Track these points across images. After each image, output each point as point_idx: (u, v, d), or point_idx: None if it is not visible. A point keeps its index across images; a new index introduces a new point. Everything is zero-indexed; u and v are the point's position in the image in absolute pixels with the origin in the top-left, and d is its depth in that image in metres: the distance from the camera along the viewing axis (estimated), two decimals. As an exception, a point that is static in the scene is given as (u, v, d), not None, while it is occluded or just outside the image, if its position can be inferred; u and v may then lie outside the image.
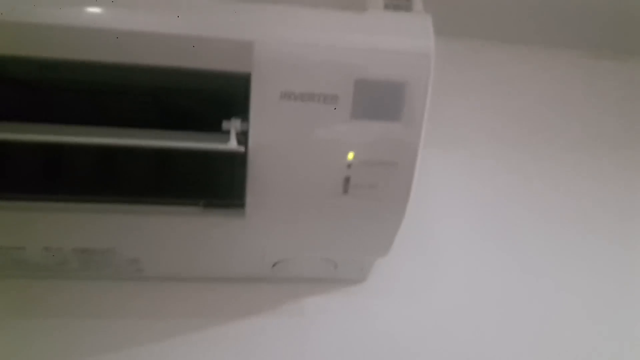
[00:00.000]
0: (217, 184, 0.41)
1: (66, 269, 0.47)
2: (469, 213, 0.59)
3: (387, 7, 0.37)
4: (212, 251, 0.46)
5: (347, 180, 0.39)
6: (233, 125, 0.37)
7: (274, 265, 0.49)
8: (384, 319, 0.53)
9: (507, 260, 0.58)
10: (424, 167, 0.56)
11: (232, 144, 0.36)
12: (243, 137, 0.38)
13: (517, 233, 0.59)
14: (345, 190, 0.40)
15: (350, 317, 0.52)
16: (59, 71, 0.36)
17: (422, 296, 0.54)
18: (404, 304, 0.53)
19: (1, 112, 0.36)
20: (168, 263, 0.48)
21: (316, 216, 0.42)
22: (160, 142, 0.36)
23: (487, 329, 0.53)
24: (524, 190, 0.62)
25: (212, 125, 0.37)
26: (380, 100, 0.37)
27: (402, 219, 0.42)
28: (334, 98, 0.36)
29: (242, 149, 0.36)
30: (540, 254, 0.59)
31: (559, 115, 0.68)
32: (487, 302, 0.55)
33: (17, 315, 0.48)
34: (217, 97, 0.38)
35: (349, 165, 0.39)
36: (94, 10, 0.34)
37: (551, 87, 0.70)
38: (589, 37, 0.74)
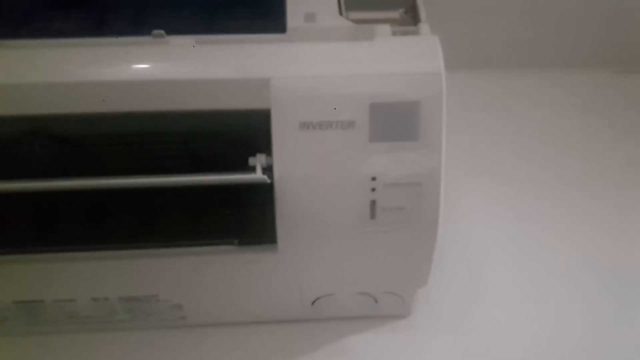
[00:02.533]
0: (249, 222, 0.43)
1: (115, 320, 0.49)
2: (509, 237, 0.58)
3: (394, 34, 0.39)
4: (249, 289, 0.47)
5: (373, 204, 0.40)
6: (259, 161, 0.39)
7: (313, 303, 0.49)
8: (431, 354, 0.51)
9: (557, 284, 0.55)
10: (457, 194, 0.56)
11: (258, 174, 0.37)
12: (269, 172, 0.39)
13: (563, 253, 0.57)
14: (373, 215, 0.40)
15: (396, 354, 0.51)
16: (93, 126, 0.39)
17: (469, 327, 0.52)
18: (452, 337, 0.51)
19: (38, 167, 0.39)
20: (209, 307, 0.49)
21: (347, 244, 0.42)
22: (191, 179, 0.38)
23: (543, 356, 0.50)
24: (564, 210, 0.60)
25: (240, 165, 0.39)
26: (397, 121, 0.38)
27: (435, 241, 0.42)
28: (351, 123, 0.38)
29: (266, 178, 0.37)
30: (595, 278, 0.56)
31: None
32: (539, 329, 0.52)
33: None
34: (242, 137, 0.40)
35: (373, 189, 0.39)
36: (117, 64, 0.38)
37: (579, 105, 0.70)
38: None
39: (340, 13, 0.42)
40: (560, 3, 0.71)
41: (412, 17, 0.43)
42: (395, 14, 0.43)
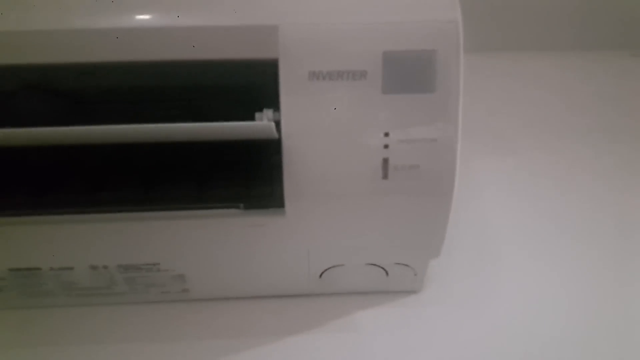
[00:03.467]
0: (255, 185, 0.41)
1: (115, 292, 0.47)
2: (526, 210, 0.56)
3: (408, -19, 0.37)
4: (255, 258, 0.45)
5: (385, 162, 0.38)
6: (265, 116, 0.37)
7: (321, 276, 0.47)
8: (443, 331, 0.48)
9: (571, 260, 0.53)
10: (472, 168, 0.54)
11: (264, 122, 0.35)
12: (276, 128, 0.37)
13: (582, 230, 0.55)
14: (385, 174, 0.38)
15: (406, 331, 0.48)
16: (92, 76, 0.37)
17: (483, 304, 0.50)
18: (464, 314, 0.49)
19: (32, 122, 0.37)
20: (213, 278, 0.47)
21: (358, 208, 0.40)
22: (189, 127, 0.35)
23: (557, 336, 0.48)
24: (586, 184, 0.58)
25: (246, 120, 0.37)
26: (411, 71, 0.36)
27: (451, 203, 0.40)
28: (362, 74, 0.36)
29: (273, 126, 0.35)
30: (610, 250, 0.54)
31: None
32: (553, 306, 0.50)
33: (73, 343, 0.47)
34: (248, 92, 0.38)
35: (386, 146, 0.37)
36: (114, 11, 0.36)
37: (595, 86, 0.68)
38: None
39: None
40: None
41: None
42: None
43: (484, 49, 0.66)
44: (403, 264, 0.47)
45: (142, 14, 0.36)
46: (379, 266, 0.47)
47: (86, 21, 0.35)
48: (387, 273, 0.48)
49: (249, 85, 0.38)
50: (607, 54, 0.75)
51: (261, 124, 0.35)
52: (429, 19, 0.36)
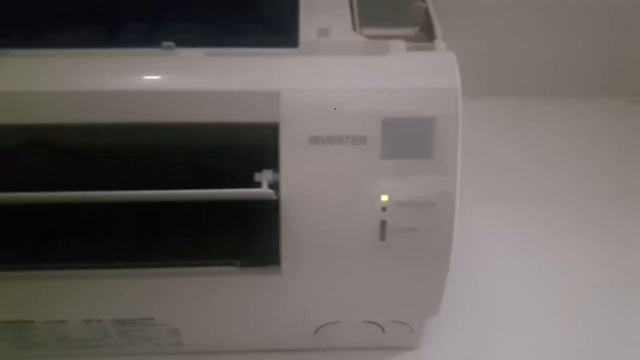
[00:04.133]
0: (252, 242, 0.41)
1: (108, 344, 0.46)
2: (524, 264, 0.56)
3: (409, 49, 0.38)
4: (250, 314, 0.44)
5: (383, 224, 0.38)
6: (265, 177, 0.37)
7: (316, 332, 0.47)
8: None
9: (574, 316, 0.53)
10: (469, 221, 0.55)
11: (264, 189, 0.36)
12: (275, 189, 0.37)
13: (581, 281, 0.55)
14: (383, 236, 0.38)
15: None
16: (96, 137, 0.38)
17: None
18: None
19: (37, 180, 0.37)
20: (207, 332, 0.46)
21: (354, 268, 0.40)
22: (193, 194, 0.36)
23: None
24: (582, 234, 0.58)
25: (245, 182, 0.38)
26: (410, 138, 0.36)
27: (448, 265, 0.40)
28: (362, 139, 0.36)
29: (272, 193, 0.36)
30: (610, 303, 0.53)
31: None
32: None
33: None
34: (248, 152, 0.39)
35: (384, 209, 0.38)
36: (123, 74, 0.37)
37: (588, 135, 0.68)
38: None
39: (354, 29, 0.41)
40: (574, 31, 0.71)
41: (427, 35, 0.42)
42: (410, 31, 0.42)
43: (480, 94, 0.66)
44: (400, 322, 0.46)
45: (148, 76, 0.36)
46: (375, 323, 0.46)
47: (94, 83, 0.36)
48: (383, 330, 0.47)
49: (250, 145, 0.38)
50: (604, 101, 0.75)
51: (260, 192, 0.35)
52: (429, 87, 0.36)
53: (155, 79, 0.36)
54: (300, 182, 0.37)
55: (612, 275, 0.57)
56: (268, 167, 0.38)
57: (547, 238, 0.59)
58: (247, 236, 0.40)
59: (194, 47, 0.39)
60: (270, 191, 0.35)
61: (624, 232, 0.61)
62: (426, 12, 0.43)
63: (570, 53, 0.73)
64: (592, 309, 0.54)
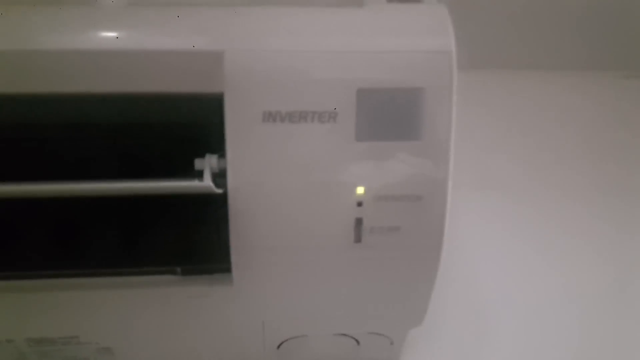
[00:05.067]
0: (195, 245, 0.33)
1: (24, 367, 0.38)
2: (515, 265, 0.50)
3: (390, 1, 0.30)
4: (199, 331, 0.37)
5: (358, 222, 0.31)
6: (207, 163, 0.30)
7: (279, 347, 0.39)
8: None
9: (567, 321, 0.48)
10: (457, 209, 0.48)
11: (205, 182, 0.28)
12: (221, 179, 0.30)
13: (575, 283, 0.50)
14: (358, 237, 0.31)
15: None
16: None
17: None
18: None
19: None
20: (147, 351, 0.39)
21: (323, 275, 0.33)
22: (119, 186, 0.28)
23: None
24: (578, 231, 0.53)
25: (185, 170, 0.30)
26: (392, 114, 0.29)
27: (437, 271, 0.33)
28: (331, 115, 0.29)
29: (213, 187, 0.28)
30: (605, 305, 0.48)
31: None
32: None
33: None
34: (188, 132, 0.31)
35: (360, 203, 0.30)
36: (36, 27, 0.28)
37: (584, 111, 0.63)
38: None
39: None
40: (570, 4, 0.65)
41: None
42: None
43: (475, 66, 0.60)
44: (378, 334, 0.39)
45: (60, 32, 0.28)
46: (349, 336, 0.39)
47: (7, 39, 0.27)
48: (358, 343, 0.40)
49: (189, 123, 0.30)
50: (599, 75, 0.70)
51: (199, 185, 0.27)
52: (415, 49, 0.29)
53: (73, 36, 0.28)
54: (252, 170, 0.30)
55: (610, 267, 0.52)
56: (212, 151, 0.30)
57: (541, 227, 0.54)
58: (190, 238, 0.34)
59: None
60: (211, 184, 0.27)
61: (619, 216, 0.57)
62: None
63: (565, 25, 0.68)
64: (590, 316, 0.49)
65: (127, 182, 0.29)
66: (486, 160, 0.59)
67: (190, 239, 0.33)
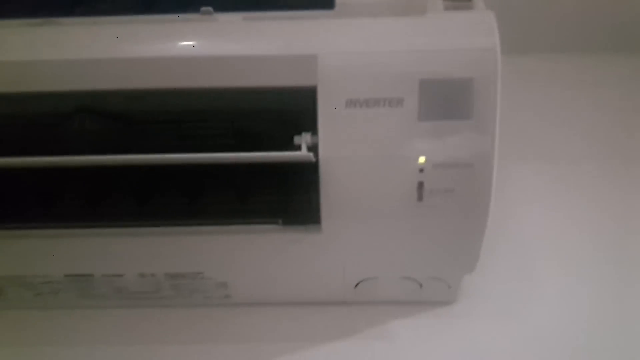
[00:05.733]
0: (293, 202, 0.42)
1: (161, 296, 0.50)
2: (561, 221, 0.55)
3: (447, 8, 0.38)
4: (293, 269, 0.46)
5: (420, 185, 0.39)
6: (304, 139, 0.38)
7: (356, 286, 0.49)
8: (477, 341, 0.49)
9: (609, 270, 0.53)
10: (507, 177, 0.54)
11: (304, 152, 0.37)
12: (314, 151, 0.38)
13: (617, 238, 0.54)
14: (420, 197, 0.39)
15: (440, 341, 0.49)
16: (141, 103, 0.39)
17: (517, 314, 0.50)
18: (499, 323, 0.50)
19: (86, 143, 0.39)
20: (253, 285, 0.49)
21: (392, 227, 0.41)
22: (236, 156, 0.38)
23: (591, 347, 0.48)
24: (621, 194, 0.57)
25: (285, 144, 0.39)
26: (448, 99, 0.36)
27: (485, 225, 0.40)
28: (399, 101, 0.37)
29: (312, 156, 0.37)
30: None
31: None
32: (590, 317, 0.50)
33: (120, 343, 0.51)
34: (287, 115, 0.39)
35: (421, 170, 0.38)
36: (166, 40, 0.38)
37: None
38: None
39: (390, -13, 0.41)
40: None
41: (465, -9, 0.41)
42: (447, -12, 0.41)
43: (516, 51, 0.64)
44: (437, 278, 0.48)
45: (189, 42, 0.37)
46: (413, 279, 0.48)
47: (138, 50, 0.37)
48: (421, 285, 0.49)
49: (289, 108, 0.39)
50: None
51: (300, 154, 0.36)
52: (466, 47, 0.36)
53: (197, 45, 0.37)
54: (338, 145, 0.38)
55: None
56: (307, 129, 0.39)
57: (581, 196, 0.59)
58: (289, 196, 0.42)
59: (231, 11, 0.40)
60: (310, 154, 0.36)
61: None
62: (466, -33, 0.41)
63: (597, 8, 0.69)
64: (629, 268, 0.53)
65: (246, 153, 0.38)
66: (530, 135, 0.64)
67: (289, 198, 0.41)
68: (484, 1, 0.38)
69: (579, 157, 0.62)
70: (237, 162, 0.38)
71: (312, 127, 0.38)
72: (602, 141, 0.64)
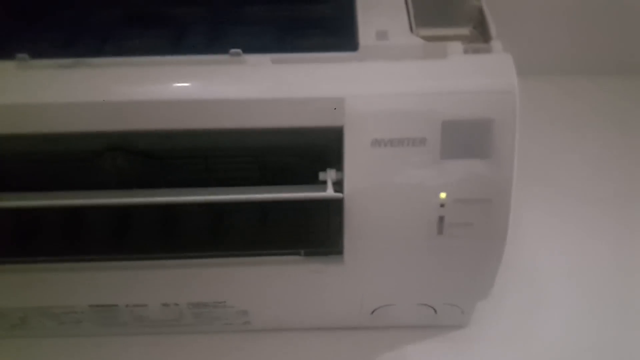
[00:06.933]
0: (316, 233, 0.43)
1: (182, 324, 0.51)
2: (571, 251, 0.57)
3: (466, 52, 0.40)
4: (313, 299, 0.48)
5: (441, 219, 0.40)
6: (329, 176, 0.40)
7: (372, 313, 0.50)
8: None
9: (619, 299, 0.55)
10: (520, 206, 0.56)
11: (330, 192, 0.38)
12: (338, 186, 0.40)
13: (627, 268, 0.57)
14: (440, 230, 0.41)
15: (455, 365, 0.51)
16: (172, 141, 0.41)
17: (527, 339, 0.52)
18: (510, 348, 0.52)
19: (117, 180, 0.40)
20: (273, 313, 0.50)
21: (413, 259, 0.43)
22: (265, 196, 0.39)
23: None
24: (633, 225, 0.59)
25: (309, 178, 0.40)
26: (469, 139, 0.38)
27: (501, 257, 0.42)
28: (422, 141, 0.38)
29: (340, 195, 0.38)
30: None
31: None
32: (598, 345, 0.52)
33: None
34: (313, 151, 0.41)
35: (442, 205, 0.40)
36: (197, 82, 0.39)
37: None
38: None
39: (411, 30, 0.43)
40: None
41: (481, 33, 0.43)
42: (465, 31, 0.43)
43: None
44: (452, 304, 0.49)
45: (221, 85, 0.39)
46: (428, 305, 0.49)
47: (171, 92, 0.39)
48: (435, 311, 0.50)
49: (315, 145, 0.41)
50: None
51: (329, 195, 0.37)
52: (487, 89, 0.38)
53: (228, 88, 0.39)
54: (363, 181, 0.39)
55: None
56: (331, 164, 0.40)
57: (593, 220, 0.61)
58: (312, 228, 0.43)
59: (258, 52, 0.41)
60: (340, 195, 0.38)
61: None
62: (480, 11, 0.43)
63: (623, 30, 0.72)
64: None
65: (274, 194, 0.39)
66: (543, 162, 0.66)
67: (312, 229, 0.43)
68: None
69: (591, 187, 0.64)
70: (265, 200, 0.39)
71: (337, 163, 0.40)
72: (613, 171, 0.66)
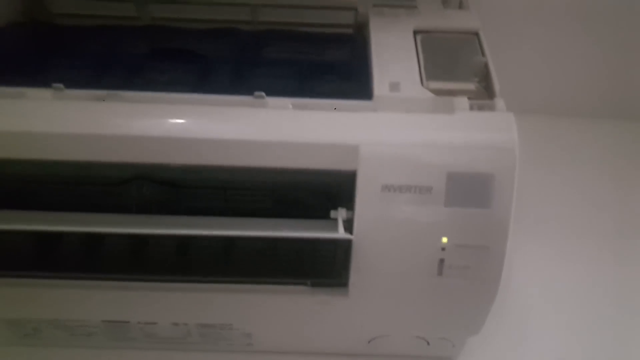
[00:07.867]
0: (323, 266, 0.46)
1: (188, 342, 0.53)
2: (561, 289, 0.61)
3: (472, 108, 0.43)
4: (316, 327, 0.51)
5: (441, 262, 0.43)
6: (340, 214, 0.43)
7: (369, 342, 0.53)
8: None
9: (607, 336, 0.58)
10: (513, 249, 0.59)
11: (341, 232, 0.41)
12: (348, 225, 0.43)
13: (616, 305, 0.59)
14: (440, 271, 0.44)
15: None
16: (194, 174, 0.43)
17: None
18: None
19: (141, 208, 0.43)
20: (275, 337, 0.53)
21: (413, 295, 0.46)
22: (277, 234, 0.42)
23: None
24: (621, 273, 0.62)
25: (320, 212, 0.43)
26: (471, 189, 0.41)
27: (494, 297, 0.45)
28: (428, 189, 0.41)
29: (350, 236, 0.41)
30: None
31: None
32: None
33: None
34: (326, 191, 0.44)
35: (443, 248, 0.43)
36: (222, 122, 0.42)
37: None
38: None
39: (422, 82, 0.46)
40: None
41: (485, 89, 0.47)
42: (471, 85, 0.47)
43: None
44: (444, 338, 0.52)
45: (246, 126, 0.42)
46: (423, 338, 0.52)
47: (193, 131, 0.42)
48: (428, 343, 0.53)
49: (328, 185, 0.43)
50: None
51: (340, 236, 0.40)
52: (489, 145, 0.41)
53: (253, 130, 0.42)
54: (372, 223, 0.42)
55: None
56: (342, 203, 0.43)
57: (585, 261, 0.64)
58: (320, 260, 0.46)
59: (280, 96, 0.44)
60: (350, 236, 0.41)
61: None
62: (486, 66, 0.47)
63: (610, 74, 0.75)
64: (632, 334, 0.58)
65: (287, 225, 0.42)
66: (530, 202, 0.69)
67: (320, 261, 0.45)
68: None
69: (581, 223, 0.67)
70: (278, 237, 0.42)
71: (347, 202, 0.43)
72: (605, 209, 0.68)
